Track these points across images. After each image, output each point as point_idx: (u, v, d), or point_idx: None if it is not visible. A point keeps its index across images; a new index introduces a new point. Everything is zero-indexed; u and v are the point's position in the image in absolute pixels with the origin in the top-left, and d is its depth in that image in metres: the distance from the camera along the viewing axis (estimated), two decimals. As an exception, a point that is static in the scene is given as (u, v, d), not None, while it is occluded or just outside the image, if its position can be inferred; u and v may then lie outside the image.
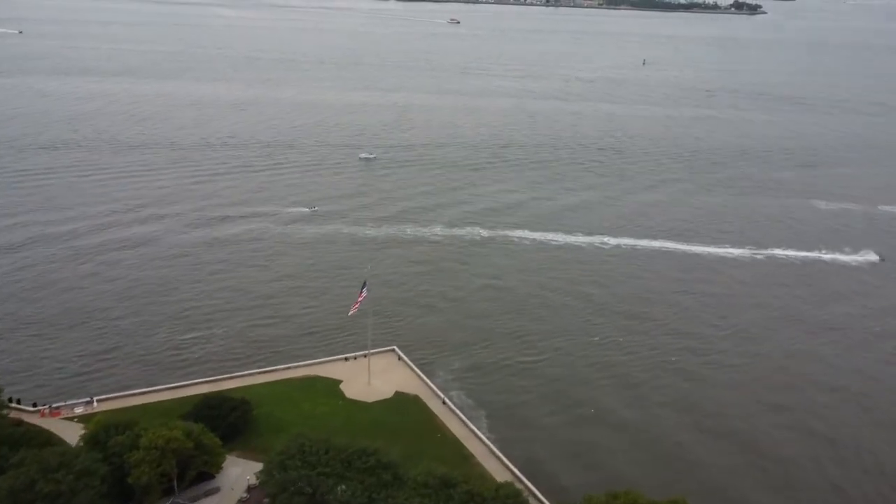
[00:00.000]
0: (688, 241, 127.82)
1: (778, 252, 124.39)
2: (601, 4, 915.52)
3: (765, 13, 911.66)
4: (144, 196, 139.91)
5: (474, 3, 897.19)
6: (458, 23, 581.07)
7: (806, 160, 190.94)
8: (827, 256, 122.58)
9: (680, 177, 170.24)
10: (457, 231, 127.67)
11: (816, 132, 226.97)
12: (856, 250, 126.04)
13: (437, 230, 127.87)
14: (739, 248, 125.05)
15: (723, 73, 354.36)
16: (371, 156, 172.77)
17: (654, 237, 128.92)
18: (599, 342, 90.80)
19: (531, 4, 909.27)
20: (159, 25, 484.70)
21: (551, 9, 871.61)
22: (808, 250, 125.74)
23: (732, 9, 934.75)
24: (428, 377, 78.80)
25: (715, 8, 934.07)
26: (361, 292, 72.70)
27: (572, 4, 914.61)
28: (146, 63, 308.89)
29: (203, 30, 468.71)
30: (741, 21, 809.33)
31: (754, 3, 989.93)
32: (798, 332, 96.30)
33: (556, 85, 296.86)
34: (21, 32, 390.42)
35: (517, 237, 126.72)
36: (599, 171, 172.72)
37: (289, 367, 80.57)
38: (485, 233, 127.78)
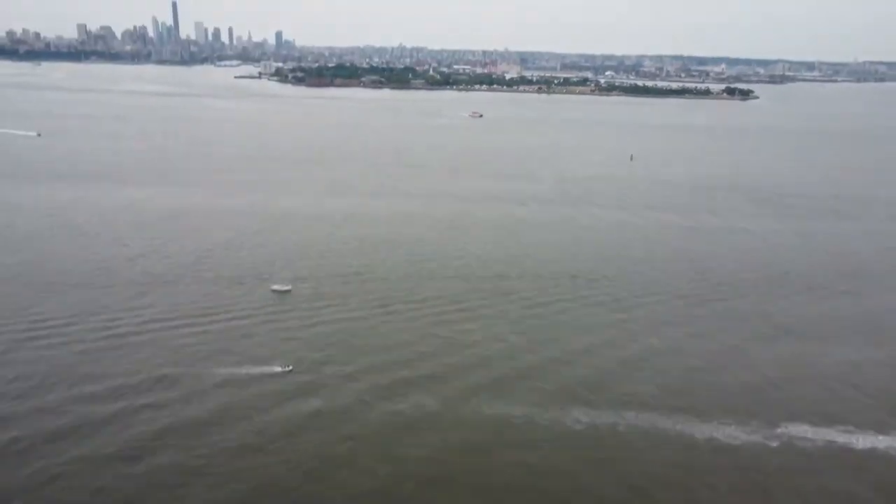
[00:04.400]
0: (684, 412, 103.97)
1: (794, 430, 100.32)
2: (594, 91, 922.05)
3: (757, 98, 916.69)
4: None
5: (467, 90, 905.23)
6: (482, 116, 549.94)
7: (816, 282, 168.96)
8: (861, 443, 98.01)
9: (672, 313, 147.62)
10: (384, 405, 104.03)
11: (829, 244, 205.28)
12: (886, 428, 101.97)
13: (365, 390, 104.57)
14: (744, 425, 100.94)
15: (717, 168, 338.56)
16: (285, 288, 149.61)
17: (640, 407, 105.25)
18: None
19: (524, 91, 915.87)
20: (149, 120, 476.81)
21: (544, 96, 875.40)
22: (829, 426, 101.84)
23: (725, 94, 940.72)
24: None
25: (707, 93, 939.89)
26: None
27: (565, 91, 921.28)
28: (112, 165, 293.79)
29: (190, 123, 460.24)
30: (734, 106, 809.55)
31: (746, 88, 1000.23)
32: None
33: (544, 187, 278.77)
34: (39, 135, 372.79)
35: (470, 411, 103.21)
36: (583, 308, 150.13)
37: None
38: (431, 403, 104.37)
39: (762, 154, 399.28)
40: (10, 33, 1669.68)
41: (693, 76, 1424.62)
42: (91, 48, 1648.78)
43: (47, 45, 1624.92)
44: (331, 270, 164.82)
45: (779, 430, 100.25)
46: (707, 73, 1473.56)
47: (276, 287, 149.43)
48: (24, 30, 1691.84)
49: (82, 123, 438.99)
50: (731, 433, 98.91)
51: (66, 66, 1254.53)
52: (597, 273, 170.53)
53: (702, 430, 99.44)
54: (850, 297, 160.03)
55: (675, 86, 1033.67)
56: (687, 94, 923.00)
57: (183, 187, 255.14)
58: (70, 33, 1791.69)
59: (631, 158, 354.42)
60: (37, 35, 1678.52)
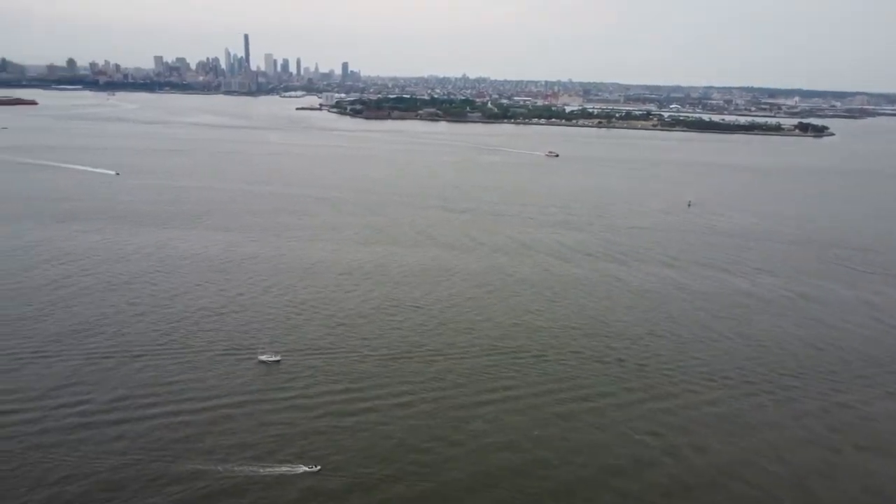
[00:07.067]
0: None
1: None
2: (656, 126, 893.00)
3: (832, 135, 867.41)
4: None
5: (525, 124, 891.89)
6: (558, 156, 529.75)
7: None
8: None
9: (724, 410, 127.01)
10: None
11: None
12: None
13: None
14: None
15: (783, 218, 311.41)
16: (274, 358, 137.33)
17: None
18: None
19: (583, 125, 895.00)
20: (203, 155, 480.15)
21: (603, 131, 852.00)
22: None
23: (797, 130, 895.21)
24: None
25: (778, 129, 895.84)
26: None
27: (626, 126, 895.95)
28: (147, 205, 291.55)
29: (238, 158, 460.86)
30: (806, 144, 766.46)
31: (820, 123, 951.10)
32: None
33: (595, 238, 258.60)
34: (118, 174, 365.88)
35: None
36: (623, 406, 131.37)
37: None
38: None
39: (835, 202, 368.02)
40: (93, 65, 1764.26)
41: (763, 109, 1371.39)
42: (166, 79, 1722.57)
43: (125, 76, 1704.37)
44: (337, 340, 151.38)
45: None
46: (779, 107, 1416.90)
47: (263, 357, 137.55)
48: (105, 62, 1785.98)
49: (145, 161, 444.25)
50: None
51: (139, 96, 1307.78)
52: (640, 354, 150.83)
53: None
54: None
55: (743, 120, 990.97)
56: (756, 130, 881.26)
57: (207, 231, 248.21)
58: (148, 65, 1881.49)
59: (689, 205, 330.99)
60: (116, 66, 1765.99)
